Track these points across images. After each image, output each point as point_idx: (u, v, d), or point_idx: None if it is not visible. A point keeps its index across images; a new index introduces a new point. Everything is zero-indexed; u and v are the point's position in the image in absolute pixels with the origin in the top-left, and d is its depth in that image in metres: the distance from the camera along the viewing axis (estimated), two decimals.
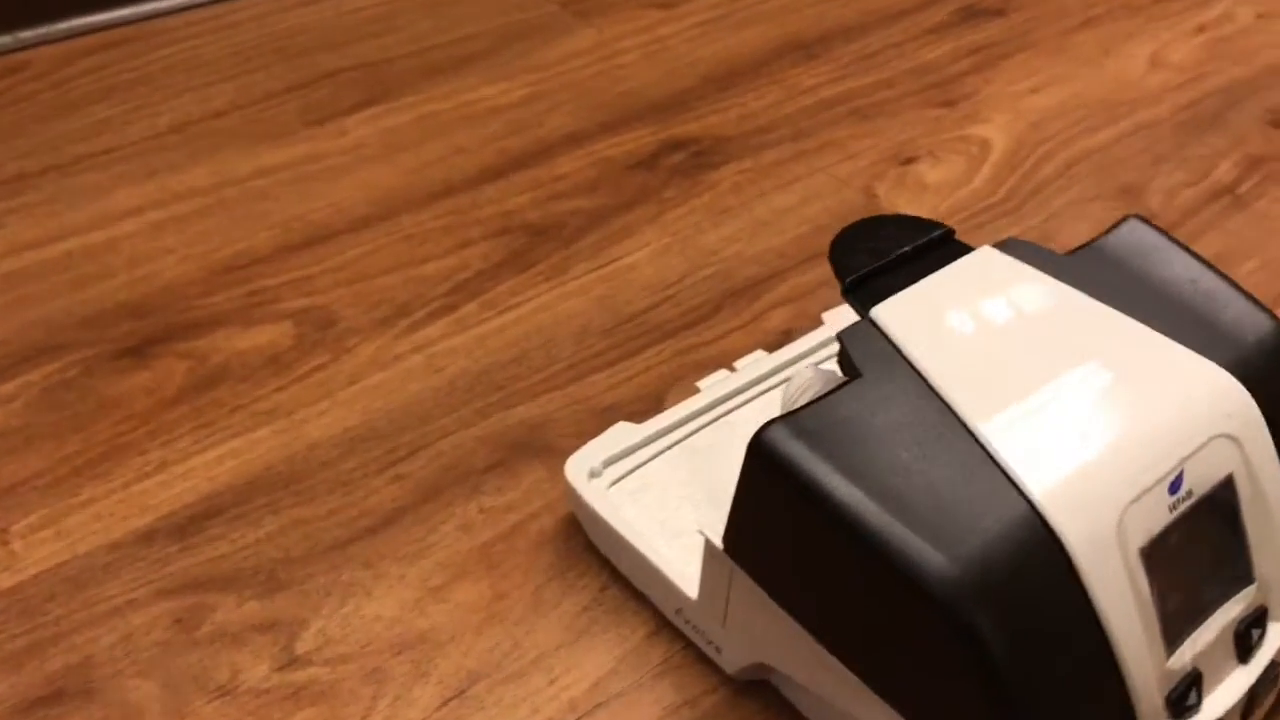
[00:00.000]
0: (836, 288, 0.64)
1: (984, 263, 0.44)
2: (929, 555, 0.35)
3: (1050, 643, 0.36)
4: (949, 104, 0.79)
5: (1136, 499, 0.38)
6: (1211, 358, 0.42)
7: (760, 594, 0.40)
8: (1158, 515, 0.38)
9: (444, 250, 0.65)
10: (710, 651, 0.46)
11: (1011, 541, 0.36)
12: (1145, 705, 0.37)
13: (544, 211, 0.68)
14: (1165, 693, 0.38)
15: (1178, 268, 0.46)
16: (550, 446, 0.55)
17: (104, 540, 0.50)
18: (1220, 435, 0.40)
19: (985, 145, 0.75)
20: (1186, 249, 0.47)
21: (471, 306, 0.62)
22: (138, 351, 0.58)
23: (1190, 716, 0.39)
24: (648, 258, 0.65)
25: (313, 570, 0.49)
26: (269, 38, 0.81)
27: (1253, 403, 0.41)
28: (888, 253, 0.45)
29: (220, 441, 0.54)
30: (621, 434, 0.51)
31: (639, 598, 0.48)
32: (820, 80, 0.80)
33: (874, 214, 0.71)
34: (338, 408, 0.56)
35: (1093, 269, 0.44)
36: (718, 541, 0.41)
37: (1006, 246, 0.45)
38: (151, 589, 0.48)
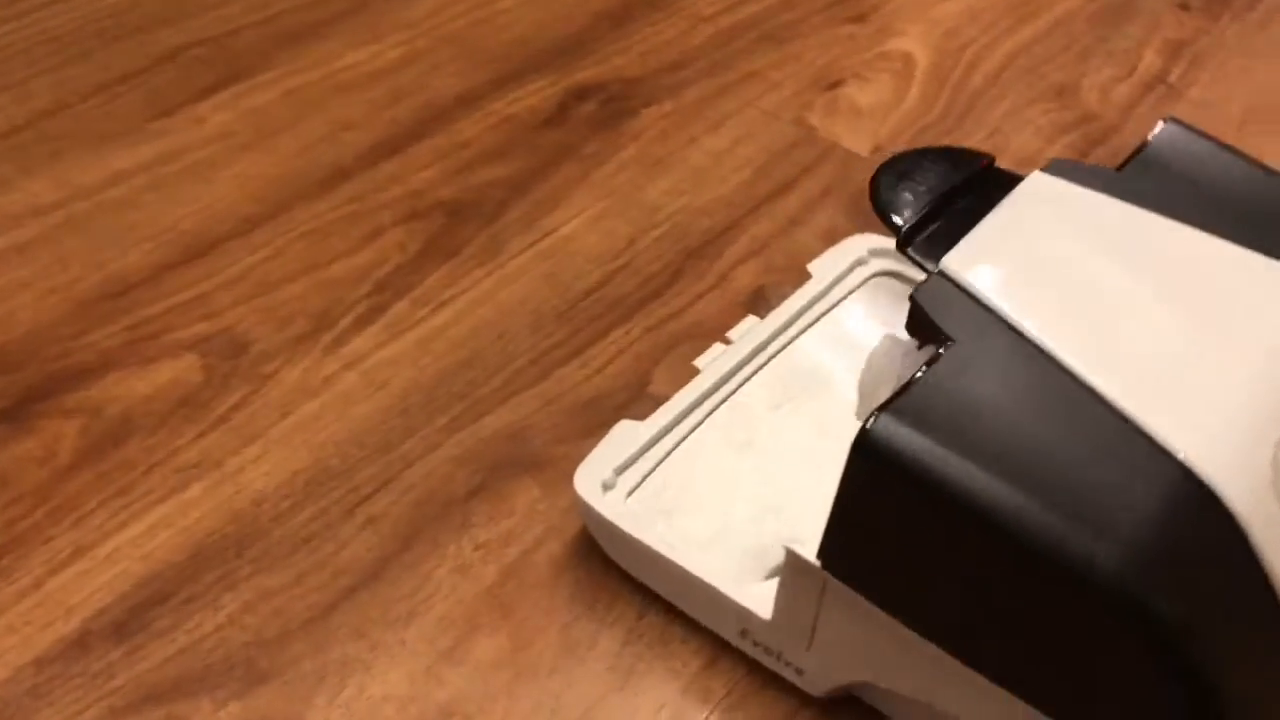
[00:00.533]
0: (800, 235, 0.59)
1: (1041, 192, 0.39)
2: (1093, 545, 0.30)
3: (1231, 620, 0.31)
4: (859, 19, 0.73)
5: None
6: None
7: (864, 608, 0.35)
8: None
9: (353, 244, 0.56)
10: (788, 674, 0.40)
11: (1171, 512, 0.31)
12: None
13: (457, 186, 0.60)
14: None
15: (1232, 170, 0.41)
16: (537, 458, 0.47)
17: (25, 657, 0.40)
18: None
19: (908, 60, 0.70)
20: (1229, 148, 0.43)
21: (401, 306, 0.53)
22: (12, 415, 0.48)
23: None
24: (586, 225, 0.58)
25: (295, 652, 0.41)
26: (85, 19, 0.69)
27: None
28: (933, 193, 0.39)
29: (144, 510, 0.45)
30: (627, 434, 0.45)
31: (684, 621, 0.42)
32: (719, 7, 0.73)
33: (814, 146, 0.65)
34: (276, 448, 0.47)
35: (1151, 184, 0.40)
36: (808, 555, 0.35)
37: (1056, 169, 0.40)
38: (101, 709, 0.39)
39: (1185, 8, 0.76)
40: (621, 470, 0.44)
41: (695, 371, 0.48)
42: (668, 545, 0.41)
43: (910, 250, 0.37)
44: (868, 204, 0.59)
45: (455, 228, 0.57)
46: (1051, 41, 0.73)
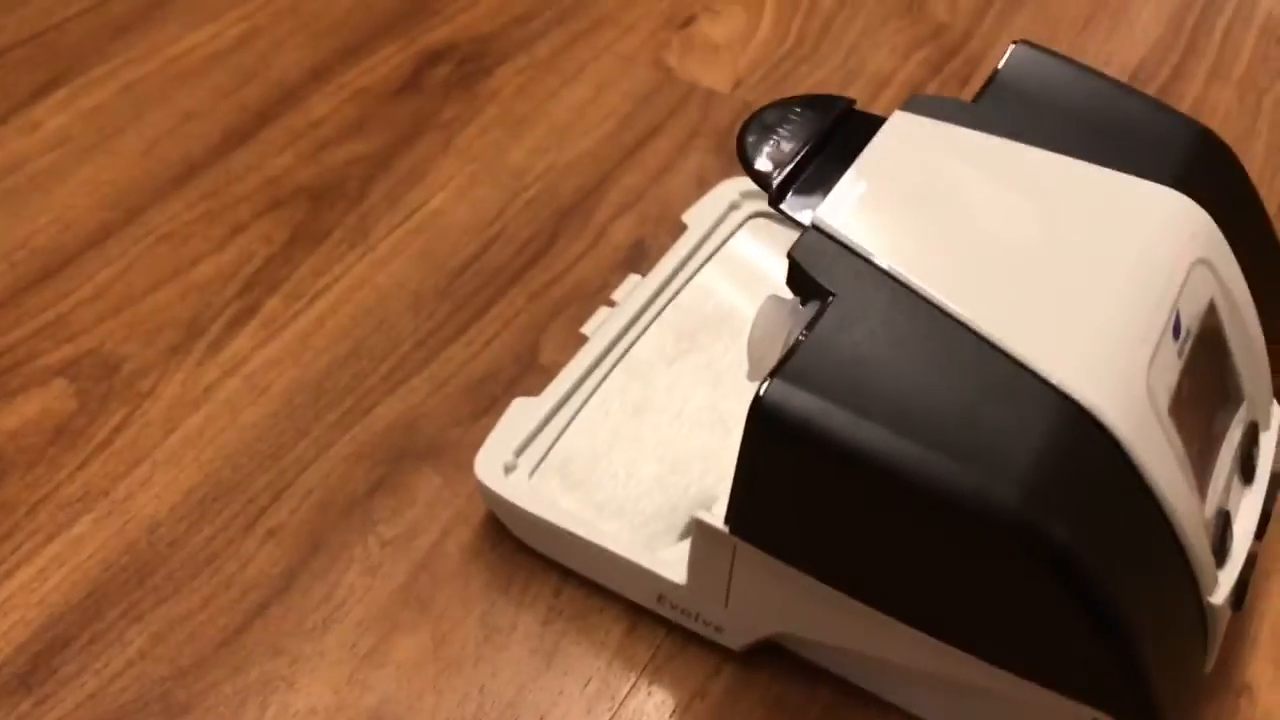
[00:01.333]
0: (671, 182, 0.59)
1: (904, 132, 0.39)
2: (987, 484, 0.31)
3: (1122, 536, 0.32)
4: None
5: (1153, 358, 0.35)
6: (1155, 179, 0.39)
7: (775, 566, 0.35)
8: (1171, 367, 0.36)
9: (214, 243, 0.54)
10: (707, 633, 0.40)
11: (1056, 440, 0.32)
12: (1202, 566, 0.35)
13: (316, 168, 0.58)
14: (1211, 545, 0.36)
15: (1083, 89, 0.42)
16: (433, 445, 0.47)
17: None
18: (1196, 261, 0.37)
19: None
20: (1078, 64, 0.44)
21: (274, 303, 0.52)
22: None
23: (1227, 559, 0.37)
24: (454, 196, 0.57)
25: (213, 678, 0.40)
26: None
27: (1208, 217, 0.39)
28: (799, 145, 0.39)
29: (32, 553, 0.43)
30: (523, 412, 0.44)
31: (600, 593, 0.42)
32: None
33: (674, 88, 0.65)
34: (164, 468, 0.46)
35: (1008, 111, 0.40)
36: (716, 523, 0.35)
37: (914, 106, 0.40)
38: None
39: None
40: (521, 450, 0.43)
41: (583, 339, 0.48)
42: (577, 521, 0.41)
43: (782, 207, 0.37)
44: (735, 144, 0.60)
45: (320, 213, 0.56)
46: None
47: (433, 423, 0.48)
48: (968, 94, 0.63)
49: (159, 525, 0.44)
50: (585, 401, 0.45)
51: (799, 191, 0.38)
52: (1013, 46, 0.43)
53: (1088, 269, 0.36)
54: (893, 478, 0.31)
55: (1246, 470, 0.40)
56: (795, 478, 0.33)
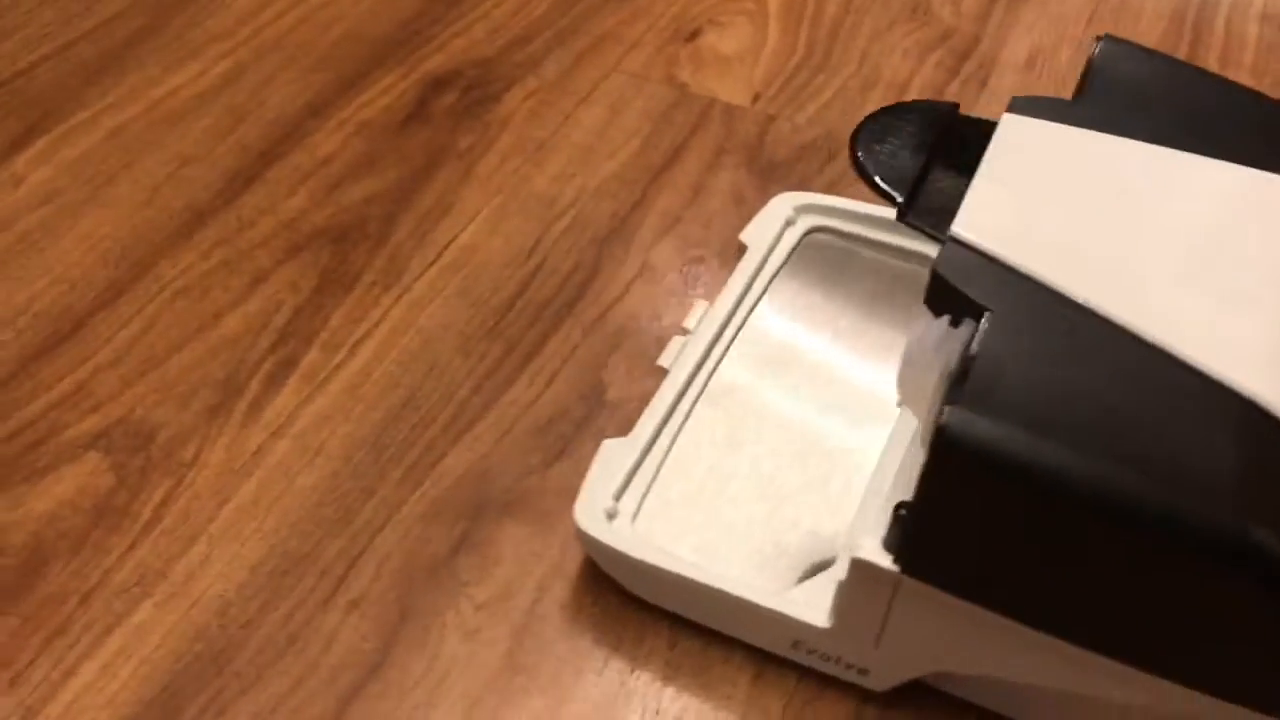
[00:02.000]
0: (708, 202, 0.57)
1: (1019, 135, 0.37)
2: (1200, 505, 0.29)
3: None
4: None
5: None
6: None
7: (944, 602, 0.33)
8: None
9: (237, 294, 0.50)
10: (849, 676, 0.38)
11: (1256, 452, 0.30)
12: None
13: (332, 208, 0.54)
14: None
15: (1182, 80, 0.41)
16: (511, 495, 0.44)
17: None
18: None
19: (767, 2, 0.68)
20: (1166, 56, 0.43)
21: (313, 355, 0.48)
22: None
23: None
24: (486, 229, 0.54)
25: None
26: None
27: None
28: (915, 155, 0.37)
29: (93, 646, 0.39)
30: (614, 454, 0.41)
31: (719, 640, 0.40)
32: None
33: (693, 104, 0.63)
34: (223, 543, 0.42)
35: (1115, 108, 0.39)
36: (883, 562, 0.33)
37: (1021, 108, 0.38)
38: None
39: None
40: (620, 494, 0.41)
41: (654, 370, 0.45)
42: (696, 568, 0.38)
43: (912, 220, 0.35)
44: (767, 157, 0.58)
45: (345, 255, 0.52)
46: None
47: (506, 471, 0.45)
48: (989, 94, 0.63)
49: (229, 606, 0.40)
50: (675, 439, 0.43)
51: (925, 205, 0.36)
52: (1102, 40, 0.42)
53: (1243, 267, 0.34)
54: (1092, 502, 0.29)
55: None
56: (984, 509, 0.31)
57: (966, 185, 0.35)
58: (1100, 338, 0.32)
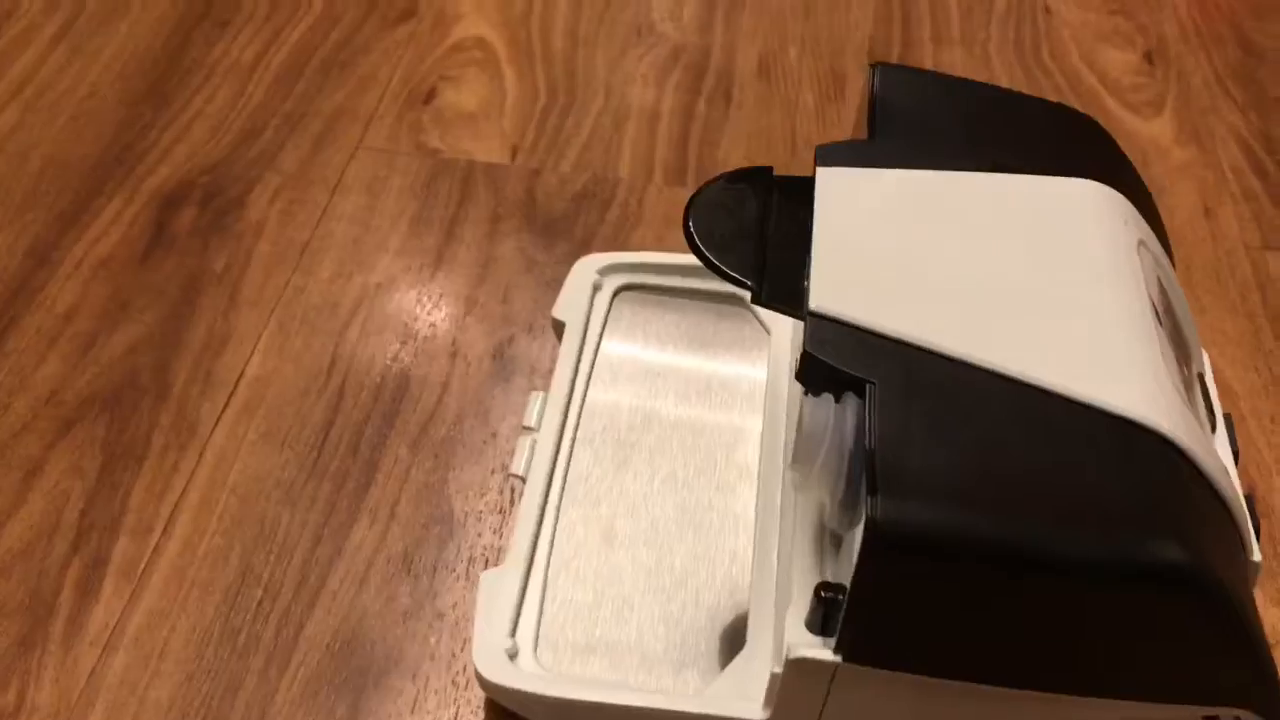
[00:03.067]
0: (499, 272, 0.54)
1: (838, 191, 0.37)
2: (1141, 543, 0.30)
3: (1225, 548, 0.33)
4: (410, 15, 0.67)
5: (1162, 353, 0.35)
6: (1069, 173, 0.39)
7: (886, 679, 0.33)
8: (1168, 354, 0.36)
9: (12, 495, 0.44)
10: None
11: (1163, 476, 0.32)
12: (1246, 534, 0.36)
13: (94, 370, 0.49)
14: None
15: (963, 98, 0.42)
16: (390, 650, 0.41)
17: None
18: (1138, 244, 0.38)
19: (484, 45, 0.66)
20: (940, 74, 0.44)
21: (124, 545, 0.43)
22: None
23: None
24: (271, 355, 0.50)
25: None
26: None
27: (1124, 198, 0.40)
28: (750, 233, 0.36)
29: None
30: (497, 587, 0.39)
31: None
32: (254, 48, 0.64)
33: (452, 172, 0.60)
34: None
35: (911, 140, 0.40)
36: (822, 655, 0.33)
37: (829, 159, 0.38)
38: None
39: None
40: (514, 629, 0.39)
41: (496, 475, 0.43)
42: (619, 689, 0.37)
43: (770, 304, 0.35)
44: (543, 214, 0.56)
45: (124, 420, 0.47)
46: None
47: (376, 625, 0.41)
48: (735, 108, 0.63)
49: None
50: (550, 553, 0.41)
51: (773, 283, 0.35)
52: (876, 70, 0.42)
53: (1073, 283, 0.36)
54: (1037, 561, 0.30)
55: (1211, 419, 0.41)
56: (924, 587, 0.31)
57: (805, 254, 0.35)
58: (977, 387, 0.32)
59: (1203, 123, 0.63)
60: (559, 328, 0.48)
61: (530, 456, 0.43)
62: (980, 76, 0.65)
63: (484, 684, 0.37)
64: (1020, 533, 0.30)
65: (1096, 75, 0.66)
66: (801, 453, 0.33)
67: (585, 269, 0.50)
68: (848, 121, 0.62)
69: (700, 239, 0.36)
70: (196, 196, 0.56)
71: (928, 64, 0.66)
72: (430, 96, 0.62)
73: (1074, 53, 0.68)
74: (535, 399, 0.45)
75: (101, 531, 0.43)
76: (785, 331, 0.48)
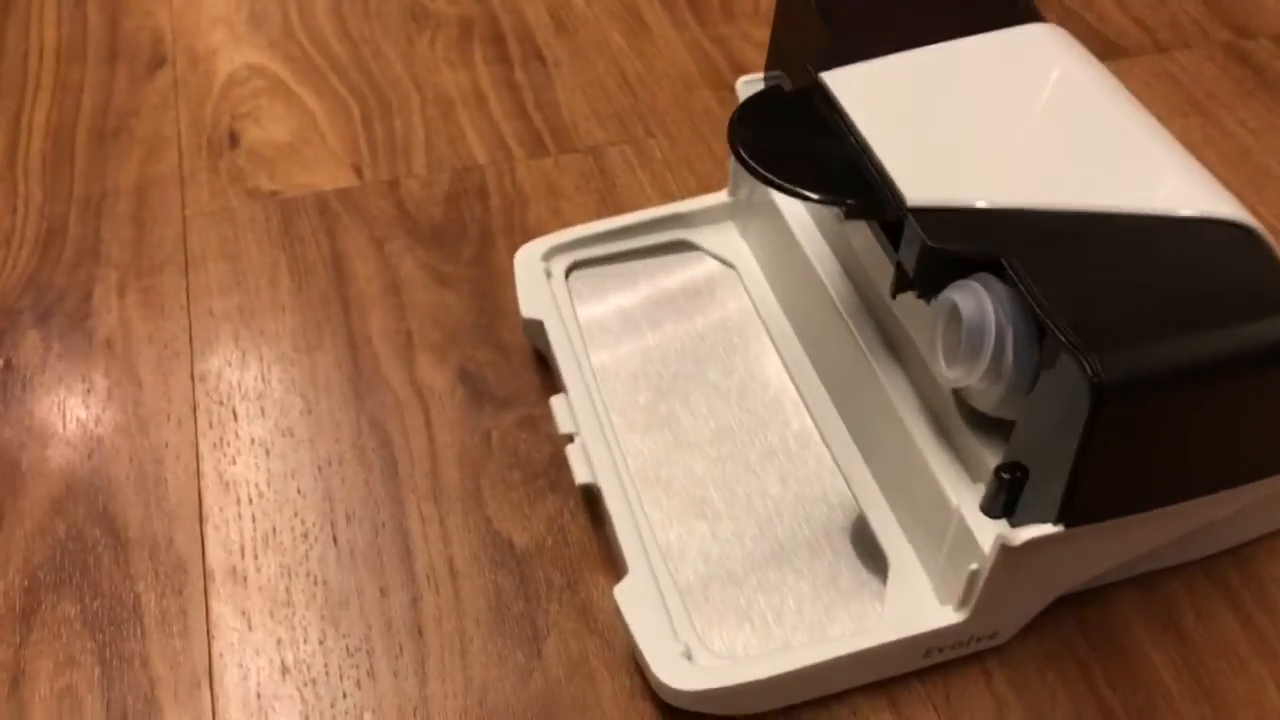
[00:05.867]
0: (418, 299, 0.49)
1: (852, 90, 0.37)
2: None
3: None
4: (161, 62, 0.59)
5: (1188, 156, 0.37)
6: (1007, 22, 0.40)
7: (1084, 536, 0.33)
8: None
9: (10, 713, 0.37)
10: (978, 647, 0.37)
11: (1267, 259, 0.34)
12: None
13: (22, 543, 0.40)
14: None
15: None
16: (554, 710, 0.37)
17: None
18: (1100, 66, 0.40)
19: (262, 71, 0.59)
20: None
21: (175, 717, 0.37)
22: None
23: None
24: (226, 462, 0.43)
25: None
26: None
27: (1061, 29, 0.41)
28: (798, 150, 0.35)
29: None
30: (639, 597, 0.36)
31: (834, 698, 0.37)
32: (0, 142, 0.55)
33: (302, 206, 0.53)
34: None
35: (871, 30, 0.39)
36: (1041, 531, 0.32)
37: (821, 61, 0.38)
38: None
39: None
40: (676, 633, 0.36)
41: (537, 492, 0.40)
42: (817, 647, 0.35)
43: (866, 215, 0.33)
44: (426, 223, 0.52)
45: (95, 587, 0.39)
46: None
47: (512, 693, 0.37)
48: (554, 67, 0.60)
49: None
50: (651, 541, 0.38)
51: (854, 192, 0.34)
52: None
53: (1090, 114, 0.37)
54: (1227, 364, 0.31)
55: None
56: (1143, 430, 0.31)
57: (852, 156, 0.34)
58: (1085, 231, 0.33)
59: None
60: (533, 327, 0.45)
61: (589, 460, 0.40)
62: None
63: (672, 693, 0.35)
64: (1205, 346, 0.31)
65: None
66: (968, 349, 0.32)
67: (528, 261, 0.46)
68: (666, 56, 0.61)
69: (769, 169, 0.34)
70: (28, 320, 0.48)
71: None
72: (234, 140, 0.56)
73: None
74: (559, 404, 0.42)
75: (141, 714, 0.37)
76: (747, 257, 0.47)
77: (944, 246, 0.32)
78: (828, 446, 0.41)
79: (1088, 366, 0.29)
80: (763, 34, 0.62)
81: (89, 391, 0.45)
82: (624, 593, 0.37)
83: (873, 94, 0.37)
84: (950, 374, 0.34)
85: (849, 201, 0.34)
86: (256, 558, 0.40)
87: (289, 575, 0.40)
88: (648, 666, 0.35)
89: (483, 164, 0.55)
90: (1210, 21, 0.64)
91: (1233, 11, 0.65)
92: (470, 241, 0.51)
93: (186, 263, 0.50)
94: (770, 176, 0.34)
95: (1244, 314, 0.31)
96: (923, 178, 0.34)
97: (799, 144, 0.36)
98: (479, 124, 0.57)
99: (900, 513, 0.39)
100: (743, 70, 0.60)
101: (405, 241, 0.51)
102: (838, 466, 0.41)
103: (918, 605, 0.36)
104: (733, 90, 0.58)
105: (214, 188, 0.53)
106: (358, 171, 0.54)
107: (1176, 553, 0.39)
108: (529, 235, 0.51)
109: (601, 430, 0.41)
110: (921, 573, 0.37)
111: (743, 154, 0.34)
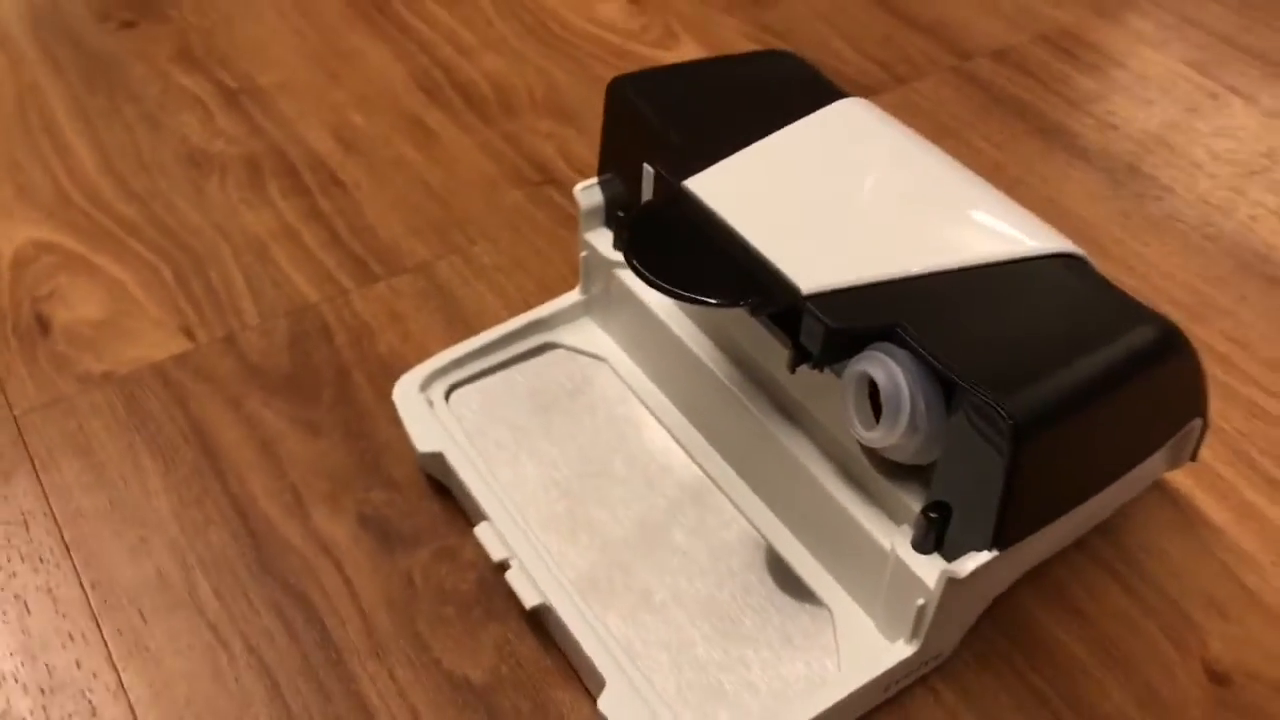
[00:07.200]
0: (297, 453, 0.49)
1: (714, 191, 0.39)
2: (1156, 325, 0.38)
3: None
4: None
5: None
6: (821, 101, 0.44)
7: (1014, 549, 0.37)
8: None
9: None
10: (925, 669, 0.41)
11: (1103, 280, 0.39)
12: None
13: None
14: None
15: (694, 80, 0.46)
16: None
17: None
18: (909, 131, 0.45)
19: (49, 247, 0.56)
20: (662, 67, 0.46)
21: None
22: None
23: None
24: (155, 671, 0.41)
25: None
26: None
27: (866, 100, 0.45)
28: (681, 256, 0.37)
29: None
30: (622, 707, 0.38)
31: None
32: None
33: (141, 384, 0.51)
34: None
35: (706, 129, 0.42)
36: (979, 562, 0.36)
37: (678, 171, 0.40)
38: None
39: None
40: None
41: (508, 611, 0.41)
42: (805, 708, 0.38)
43: (761, 313, 0.36)
44: (276, 374, 0.52)
45: None
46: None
47: None
48: (355, 190, 0.61)
49: None
50: (615, 648, 0.40)
51: (745, 292, 0.37)
52: (613, 83, 0.44)
53: (926, 178, 0.41)
54: (1106, 383, 0.35)
55: None
56: (1049, 452, 0.35)
57: (736, 257, 0.37)
58: (955, 287, 0.37)
59: (717, 35, 0.72)
60: (431, 460, 0.45)
61: (534, 582, 0.41)
62: (519, 62, 0.68)
63: None
64: (1084, 370, 0.35)
65: (607, 29, 0.72)
66: (888, 413, 0.36)
67: (408, 394, 0.47)
68: (463, 161, 0.62)
69: (667, 282, 0.36)
70: None
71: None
72: (43, 325, 0.53)
73: (574, 18, 0.73)
74: (486, 532, 0.43)
75: None
76: (613, 348, 0.49)
77: (846, 326, 0.35)
78: (746, 518, 0.44)
79: (1001, 412, 0.33)
80: (547, 125, 0.65)
81: None
82: (609, 704, 0.38)
83: (735, 194, 0.40)
84: (870, 436, 0.37)
85: (750, 300, 0.36)
86: None
87: None
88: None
89: (315, 301, 0.54)
90: (935, 49, 0.71)
91: (950, 38, 0.72)
92: (327, 383, 0.51)
93: (35, 466, 0.47)
94: (674, 290, 0.36)
95: (1104, 336, 0.36)
96: (807, 266, 0.37)
97: (687, 253, 0.38)
98: (298, 260, 0.56)
99: (828, 563, 0.42)
100: (541, 165, 0.62)
101: (260, 396, 0.50)
102: (760, 533, 0.43)
103: (871, 647, 0.40)
104: (538, 186, 0.61)
105: (38, 380, 0.51)
106: (188, 334, 0.53)
107: (1060, 543, 0.44)
108: (384, 366, 0.51)
109: (535, 550, 0.42)
110: (862, 614, 0.41)
111: (646, 274, 0.36)
